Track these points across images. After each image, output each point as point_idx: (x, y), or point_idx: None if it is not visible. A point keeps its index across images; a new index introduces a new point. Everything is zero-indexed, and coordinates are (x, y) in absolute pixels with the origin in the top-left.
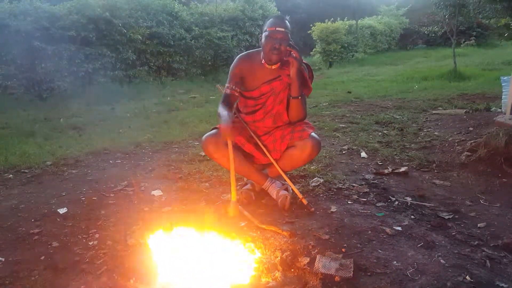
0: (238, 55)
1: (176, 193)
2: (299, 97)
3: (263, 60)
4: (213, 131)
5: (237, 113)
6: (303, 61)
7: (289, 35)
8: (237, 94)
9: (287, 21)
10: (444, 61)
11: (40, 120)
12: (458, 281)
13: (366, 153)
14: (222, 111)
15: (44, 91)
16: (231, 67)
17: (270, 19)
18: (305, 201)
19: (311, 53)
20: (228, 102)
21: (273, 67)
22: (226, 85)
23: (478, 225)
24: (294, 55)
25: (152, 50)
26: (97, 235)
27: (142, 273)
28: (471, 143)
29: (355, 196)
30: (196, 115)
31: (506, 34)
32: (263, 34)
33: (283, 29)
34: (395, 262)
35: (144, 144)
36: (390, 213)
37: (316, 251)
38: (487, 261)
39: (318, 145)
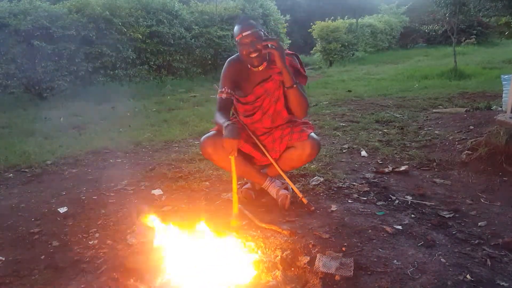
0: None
1: (176, 192)
2: (294, 86)
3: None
4: (212, 132)
5: (236, 114)
6: (290, 52)
7: (260, 31)
8: (233, 99)
9: (251, 20)
10: (444, 60)
11: (40, 119)
12: (458, 280)
13: (366, 152)
14: (223, 121)
15: (44, 90)
16: (222, 71)
17: (235, 27)
18: (305, 200)
19: (312, 51)
20: (225, 108)
21: (260, 68)
22: (221, 90)
23: (479, 224)
24: (271, 45)
25: (152, 49)
26: (97, 235)
27: (143, 272)
28: (471, 142)
29: (356, 195)
30: (196, 114)
31: (506, 33)
32: (237, 43)
33: (249, 32)
34: (395, 261)
35: (144, 143)
36: (391, 212)
37: (316, 250)
38: (488, 260)
39: (318, 145)
